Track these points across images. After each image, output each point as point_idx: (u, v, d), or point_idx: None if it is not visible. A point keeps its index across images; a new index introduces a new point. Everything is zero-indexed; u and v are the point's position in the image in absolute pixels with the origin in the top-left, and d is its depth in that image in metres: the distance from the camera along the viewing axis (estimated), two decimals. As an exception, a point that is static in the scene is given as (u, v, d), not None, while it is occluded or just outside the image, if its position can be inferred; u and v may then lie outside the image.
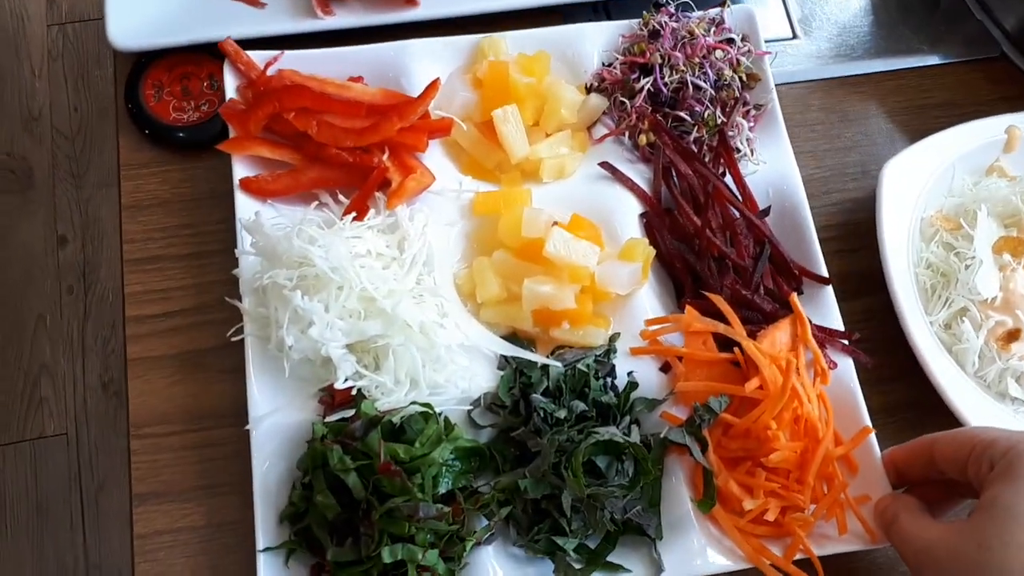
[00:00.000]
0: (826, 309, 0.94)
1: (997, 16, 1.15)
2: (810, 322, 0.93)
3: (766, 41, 1.09)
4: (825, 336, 0.93)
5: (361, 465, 0.78)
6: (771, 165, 1.02)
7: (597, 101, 1.01)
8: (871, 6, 1.19)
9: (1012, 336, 0.92)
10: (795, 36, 1.16)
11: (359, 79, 1.03)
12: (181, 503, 0.88)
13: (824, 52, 1.16)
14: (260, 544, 0.81)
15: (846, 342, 0.93)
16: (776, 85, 1.07)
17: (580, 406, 0.85)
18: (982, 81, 1.14)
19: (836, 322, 0.94)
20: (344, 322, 0.84)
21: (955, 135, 1.01)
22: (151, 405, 0.91)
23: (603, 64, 1.05)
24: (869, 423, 0.90)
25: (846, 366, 0.93)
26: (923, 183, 1.00)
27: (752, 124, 1.02)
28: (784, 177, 1.01)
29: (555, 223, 0.93)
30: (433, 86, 0.97)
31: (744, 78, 1.04)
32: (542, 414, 0.84)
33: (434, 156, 1.00)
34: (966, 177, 1.02)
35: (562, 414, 0.84)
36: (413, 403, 0.84)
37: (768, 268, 0.96)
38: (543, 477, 0.81)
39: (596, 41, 1.05)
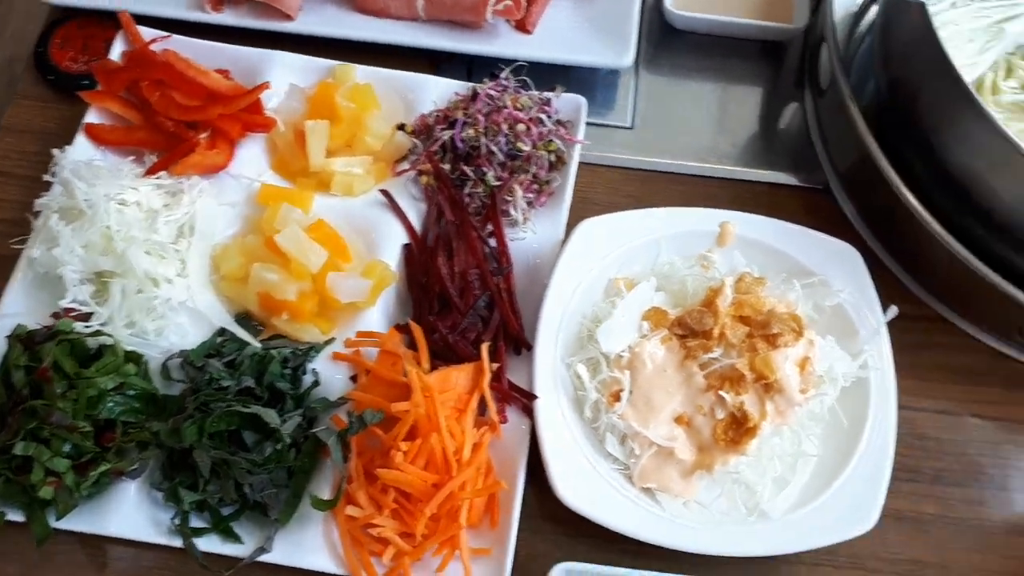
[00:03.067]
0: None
1: (832, 152, 1.19)
2: (500, 376, 0.99)
3: (605, 125, 1.20)
4: (511, 392, 0.99)
5: (30, 366, 0.90)
6: (543, 237, 1.10)
7: (401, 139, 1.12)
8: (713, 111, 1.25)
9: (617, 396, 0.96)
10: (632, 127, 1.23)
11: (225, 72, 1.17)
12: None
13: (655, 146, 1.22)
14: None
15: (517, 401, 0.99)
16: (600, 165, 1.18)
17: (248, 381, 0.94)
18: (799, 207, 1.18)
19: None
20: (83, 250, 0.97)
21: (668, 215, 1.07)
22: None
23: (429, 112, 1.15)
24: (521, 481, 0.95)
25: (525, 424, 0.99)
26: (620, 247, 1.05)
27: (535, 197, 1.10)
28: (547, 250, 1.08)
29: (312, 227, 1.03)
30: (260, 87, 1.11)
31: (553, 158, 1.12)
32: (209, 377, 0.94)
33: (254, 149, 1.13)
34: (674, 257, 1.06)
35: (227, 383, 0.94)
36: (108, 336, 0.95)
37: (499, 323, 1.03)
38: (175, 428, 0.90)
39: (433, 92, 1.17)
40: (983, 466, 1.05)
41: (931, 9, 1.12)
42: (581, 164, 1.18)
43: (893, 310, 1.01)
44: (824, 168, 1.20)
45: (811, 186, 1.20)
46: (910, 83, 1.05)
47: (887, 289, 1.10)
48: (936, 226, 1.02)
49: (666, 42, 1.30)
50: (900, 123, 1.07)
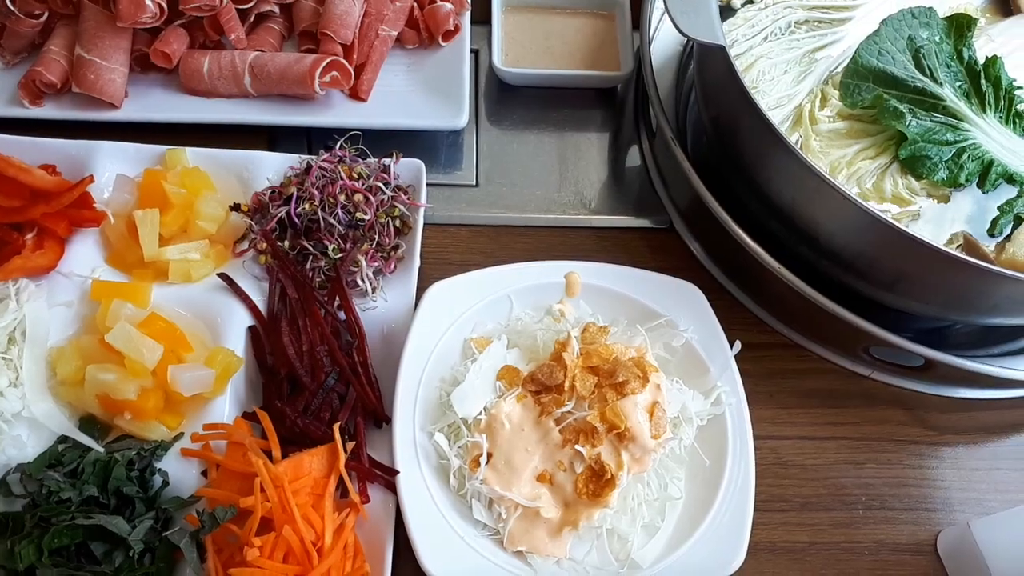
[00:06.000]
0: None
1: (671, 192, 1.22)
2: (360, 454, 0.97)
3: (451, 185, 1.21)
4: (372, 469, 0.97)
5: None
6: (395, 304, 1.08)
7: (236, 220, 1.09)
8: (557, 161, 1.27)
9: (478, 461, 0.95)
10: (477, 184, 1.24)
11: (51, 168, 1.13)
12: None
13: (501, 201, 1.23)
14: None
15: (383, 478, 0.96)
16: (450, 224, 1.19)
17: (91, 490, 0.90)
18: (647, 248, 1.20)
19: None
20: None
21: (516, 270, 1.08)
22: None
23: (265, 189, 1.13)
24: (389, 560, 0.93)
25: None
26: (472, 306, 1.05)
27: (383, 264, 1.09)
28: (401, 316, 1.07)
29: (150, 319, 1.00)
30: (82, 182, 1.07)
31: (398, 224, 1.11)
32: (47, 491, 0.89)
33: (87, 244, 1.09)
34: (526, 310, 1.07)
35: (68, 495, 0.89)
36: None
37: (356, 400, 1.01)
38: (10, 550, 0.85)
39: (268, 168, 1.15)
40: (847, 488, 1.07)
41: (745, 43, 1.18)
42: (431, 226, 1.18)
43: (737, 345, 1.03)
44: (667, 208, 1.23)
45: (657, 226, 1.23)
46: (727, 122, 1.09)
47: (739, 320, 1.14)
48: (768, 258, 1.05)
49: (504, 97, 1.32)
50: (726, 160, 1.11)
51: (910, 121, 1.09)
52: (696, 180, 1.09)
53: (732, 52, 1.18)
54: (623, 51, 1.28)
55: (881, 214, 0.93)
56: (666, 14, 1.04)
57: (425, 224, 1.16)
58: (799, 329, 1.14)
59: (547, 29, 1.33)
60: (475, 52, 1.33)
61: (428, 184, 1.18)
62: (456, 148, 1.27)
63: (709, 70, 1.10)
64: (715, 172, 1.14)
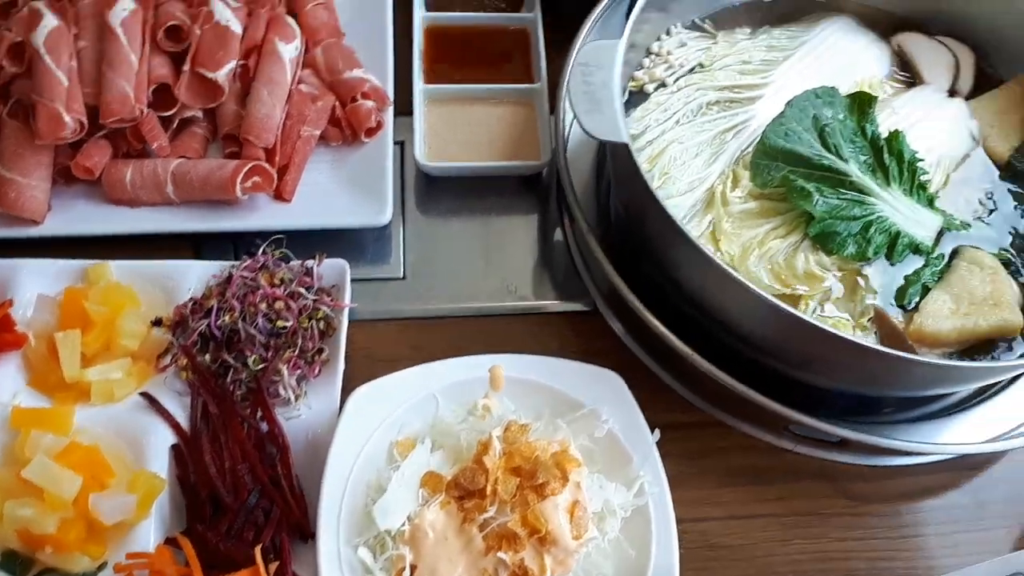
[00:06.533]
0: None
1: (593, 275, 1.23)
2: (284, 574, 0.97)
3: (378, 279, 1.23)
4: (297, 587, 0.97)
5: None
6: (320, 411, 1.09)
7: (158, 335, 1.10)
8: (483, 249, 1.28)
9: (413, 569, 0.95)
10: (405, 277, 1.25)
11: (-30, 290, 1.13)
12: None
13: (429, 293, 1.25)
14: None
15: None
16: (379, 320, 1.20)
17: (7, 633, 0.89)
18: (572, 332, 1.22)
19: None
20: None
21: (440, 367, 1.08)
22: None
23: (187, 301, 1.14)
24: None
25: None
26: (397, 408, 1.05)
27: (306, 370, 1.10)
28: (326, 422, 1.08)
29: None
30: (2, 306, 1.07)
31: (322, 327, 1.12)
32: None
33: (9, 368, 1.09)
34: (452, 407, 1.07)
35: (-17, 639, 0.88)
36: None
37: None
38: None
39: (191, 278, 1.15)
40: (776, 566, 1.08)
41: (658, 128, 1.21)
42: (358, 322, 1.19)
43: (657, 433, 1.05)
44: (590, 290, 1.24)
45: (582, 310, 1.24)
46: (635, 212, 1.11)
47: (663, 400, 1.15)
48: (679, 343, 1.07)
49: (430, 187, 1.33)
50: (639, 247, 1.13)
51: (817, 200, 1.12)
52: (609, 268, 1.11)
53: (645, 138, 1.22)
54: (543, 139, 1.31)
55: (783, 304, 0.95)
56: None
57: (352, 322, 1.17)
58: (721, 407, 1.16)
59: (469, 119, 1.35)
60: (400, 144, 1.35)
61: (355, 280, 1.19)
62: (383, 241, 1.29)
63: (617, 161, 1.12)
64: (633, 254, 1.16)
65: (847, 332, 1.07)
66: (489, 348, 1.13)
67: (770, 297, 0.95)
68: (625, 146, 1.02)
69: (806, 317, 0.95)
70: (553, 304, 1.25)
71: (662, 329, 1.07)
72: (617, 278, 1.10)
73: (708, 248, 1.00)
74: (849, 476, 1.14)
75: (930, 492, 1.14)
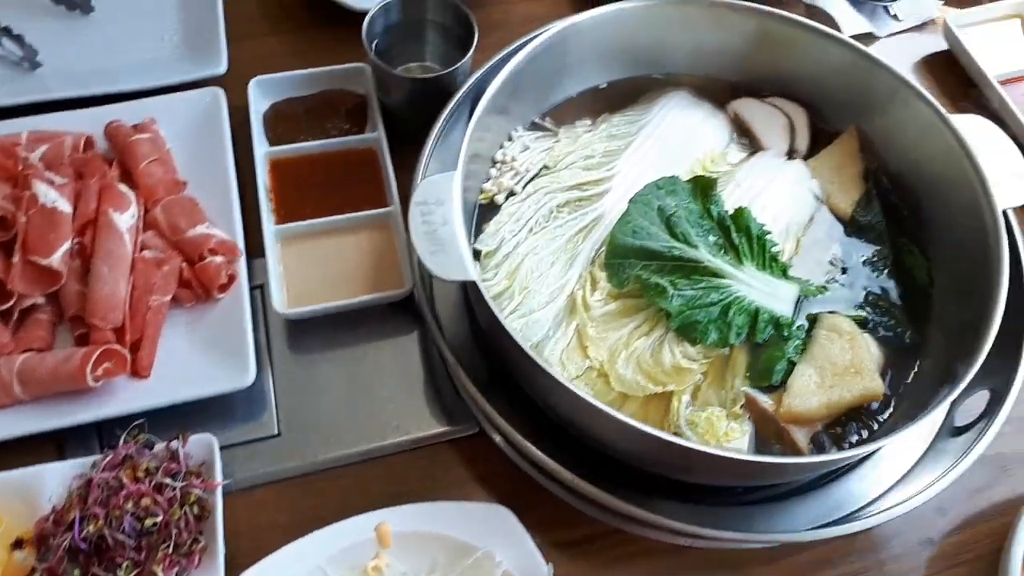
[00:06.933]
0: None
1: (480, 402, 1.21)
2: None
3: (253, 440, 1.18)
4: None
5: None
6: (203, 602, 1.04)
7: (20, 559, 1.04)
8: (358, 387, 1.24)
9: None
10: (279, 433, 1.21)
11: None
12: None
13: (308, 446, 1.20)
14: None
15: None
16: (261, 485, 1.15)
17: None
18: (462, 458, 1.19)
19: None
20: None
21: (325, 535, 1.04)
22: None
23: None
24: None
25: None
26: None
27: (184, 564, 1.05)
28: (212, 617, 1.03)
29: None
30: None
31: (196, 511, 1.08)
32: None
33: None
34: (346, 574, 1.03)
35: None
36: None
37: None
38: None
39: (50, 483, 1.10)
40: None
41: (512, 240, 1.21)
42: (237, 493, 1.15)
43: (550, 568, 1.03)
44: (474, 412, 1.22)
45: (469, 434, 1.22)
46: (496, 342, 1.10)
47: (561, 516, 1.14)
48: (560, 468, 1.05)
49: (297, 330, 1.30)
50: (510, 375, 1.12)
51: (672, 295, 1.12)
52: (480, 400, 1.09)
53: (501, 252, 1.21)
54: (403, 263, 1.29)
55: (642, 425, 0.94)
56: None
57: (228, 494, 1.13)
58: (618, 515, 1.14)
59: (327, 253, 1.33)
60: (260, 287, 1.32)
61: (227, 446, 1.15)
62: (252, 397, 1.24)
63: (469, 292, 1.11)
64: (511, 375, 1.14)
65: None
66: (378, 496, 1.11)
67: (628, 419, 0.93)
68: (474, 284, 1.01)
69: (664, 435, 0.93)
70: (438, 431, 1.22)
71: (540, 455, 1.06)
72: (489, 407, 1.09)
73: (566, 372, 0.99)
74: (757, 559, 1.13)
75: (829, 564, 1.14)
